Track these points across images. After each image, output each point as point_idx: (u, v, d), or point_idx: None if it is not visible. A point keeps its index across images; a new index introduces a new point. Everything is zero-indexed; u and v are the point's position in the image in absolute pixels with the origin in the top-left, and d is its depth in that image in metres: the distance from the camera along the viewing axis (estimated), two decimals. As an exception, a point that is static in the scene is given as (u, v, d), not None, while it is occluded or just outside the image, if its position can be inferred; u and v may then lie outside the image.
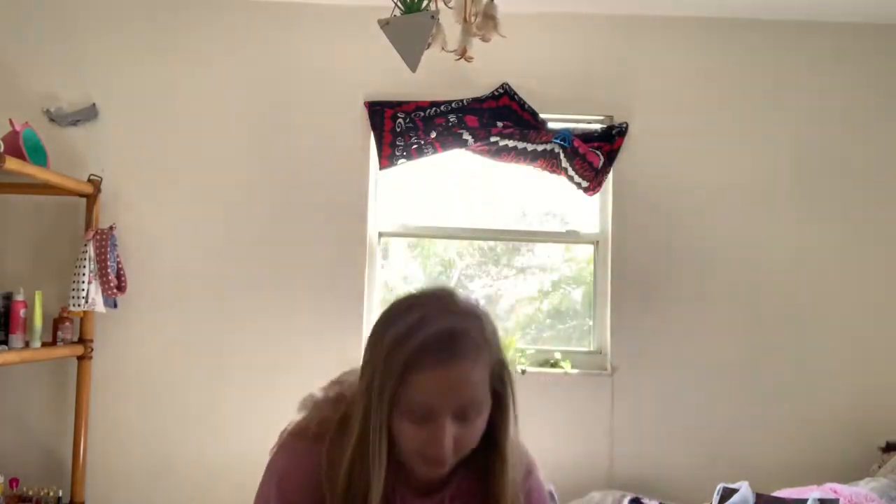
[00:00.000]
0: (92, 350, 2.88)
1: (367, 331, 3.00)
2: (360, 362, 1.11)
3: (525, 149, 2.97)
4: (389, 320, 1.09)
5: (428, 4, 2.02)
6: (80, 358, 2.86)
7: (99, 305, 2.78)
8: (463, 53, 2.13)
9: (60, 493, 2.77)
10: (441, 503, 1.16)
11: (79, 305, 2.72)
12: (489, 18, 2.06)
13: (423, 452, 1.04)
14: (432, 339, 1.03)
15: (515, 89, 3.00)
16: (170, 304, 2.96)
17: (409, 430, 1.04)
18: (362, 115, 3.01)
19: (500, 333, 1.13)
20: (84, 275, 2.72)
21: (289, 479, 1.13)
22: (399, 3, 2.02)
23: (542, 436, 2.90)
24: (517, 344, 3.03)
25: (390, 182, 3.13)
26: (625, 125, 3.01)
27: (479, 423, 1.07)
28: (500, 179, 3.18)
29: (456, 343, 1.03)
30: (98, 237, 2.80)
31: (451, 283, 3.26)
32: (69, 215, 2.96)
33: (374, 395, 1.05)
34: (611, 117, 3.06)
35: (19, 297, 2.62)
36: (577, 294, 3.24)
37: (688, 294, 2.98)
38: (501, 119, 2.96)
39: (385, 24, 2.00)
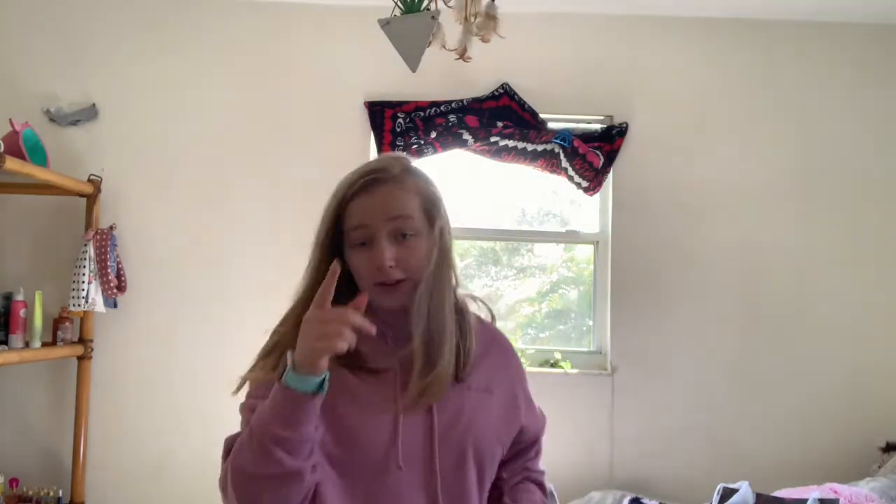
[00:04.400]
0: (92, 350, 2.88)
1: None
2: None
3: (525, 149, 2.97)
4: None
5: (428, 4, 2.02)
6: (80, 358, 2.86)
7: (99, 305, 2.78)
8: (462, 53, 2.13)
9: (60, 493, 2.77)
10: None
11: (79, 305, 2.72)
12: (490, 19, 2.06)
13: (373, 274, 1.15)
14: (359, 175, 1.17)
15: (515, 89, 3.00)
16: (170, 305, 2.96)
17: (359, 259, 1.16)
18: (362, 115, 3.01)
19: (431, 177, 1.24)
20: (84, 275, 2.72)
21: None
22: (399, 3, 2.02)
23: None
24: (517, 344, 3.03)
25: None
26: (625, 125, 3.01)
27: (418, 247, 1.17)
28: (500, 179, 3.18)
29: (379, 173, 1.17)
30: (98, 237, 2.80)
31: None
32: (69, 215, 2.97)
33: (317, 243, 1.19)
34: (611, 117, 3.06)
35: (19, 297, 2.62)
36: (577, 294, 3.24)
37: (688, 294, 2.99)
38: (501, 119, 2.96)
39: (385, 24, 2.00)
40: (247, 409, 1.16)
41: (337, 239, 1.18)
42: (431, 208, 1.20)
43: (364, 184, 1.16)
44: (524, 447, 1.34)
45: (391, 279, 1.14)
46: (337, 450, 1.12)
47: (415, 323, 1.17)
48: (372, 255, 1.14)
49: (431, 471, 1.14)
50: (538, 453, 1.38)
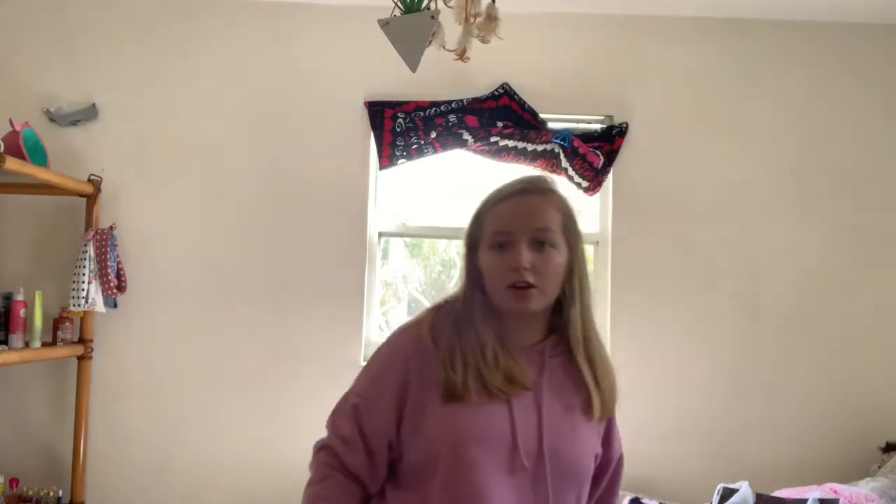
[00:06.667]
0: (92, 350, 2.88)
1: (366, 330, 3.01)
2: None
3: (525, 149, 2.97)
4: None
5: (428, 4, 2.02)
6: (80, 358, 2.86)
7: (99, 305, 2.78)
8: (462, 54, 2.13)
9: (60, 493, 2.77)
10: (542, 352, 1.27)
11: (79, 305, 2.72)
12: (491, 20, 2.06)
13: (507, 276, 1.19)
14: (511, 183, 1.28)
15: (515, 89, 3.00)
16: (170, 305, 2.96)
17: (494, 259, 1.21)
18: (362, 115, 3.01)
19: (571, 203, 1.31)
20: (84, 275, 2.72)
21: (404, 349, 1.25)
22: (399, 3, 2.02)
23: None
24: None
25: (390, 182, 3.13)
26: (625, 125, 3.01)
27: (555, 259, 1.22)
28: (500, 179, 3.17)
29: (527, 183, 1.27)
30: (98, 237, 2.80)
31: (451, 284, 3.26)
32: (69, 215, 2.96)
33: (467, 249, 1.27)
34: (611, 117, 3.06)
35: (19, 297, 2.62)
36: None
37: (687, 294, 2.98)
38: (501, 119, 2.96)
39: (385, 24, 2.00)
40: None
41: (477, 242, 1.26)
42: (572, 227, 1.27)
43: (513, 192, 1.25)
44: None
45: (524, 281, 1.18)
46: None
47: (575, 347, 1.27)
48: (510, 257, 1.19)
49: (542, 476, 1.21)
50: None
